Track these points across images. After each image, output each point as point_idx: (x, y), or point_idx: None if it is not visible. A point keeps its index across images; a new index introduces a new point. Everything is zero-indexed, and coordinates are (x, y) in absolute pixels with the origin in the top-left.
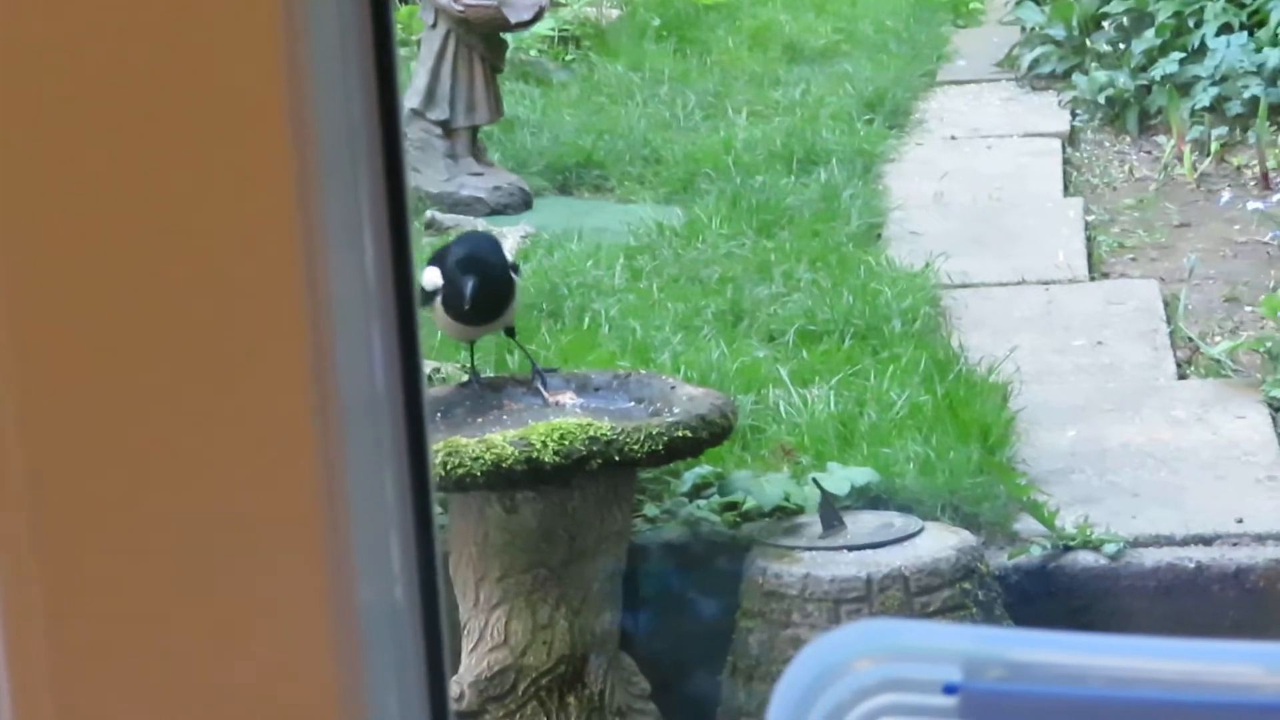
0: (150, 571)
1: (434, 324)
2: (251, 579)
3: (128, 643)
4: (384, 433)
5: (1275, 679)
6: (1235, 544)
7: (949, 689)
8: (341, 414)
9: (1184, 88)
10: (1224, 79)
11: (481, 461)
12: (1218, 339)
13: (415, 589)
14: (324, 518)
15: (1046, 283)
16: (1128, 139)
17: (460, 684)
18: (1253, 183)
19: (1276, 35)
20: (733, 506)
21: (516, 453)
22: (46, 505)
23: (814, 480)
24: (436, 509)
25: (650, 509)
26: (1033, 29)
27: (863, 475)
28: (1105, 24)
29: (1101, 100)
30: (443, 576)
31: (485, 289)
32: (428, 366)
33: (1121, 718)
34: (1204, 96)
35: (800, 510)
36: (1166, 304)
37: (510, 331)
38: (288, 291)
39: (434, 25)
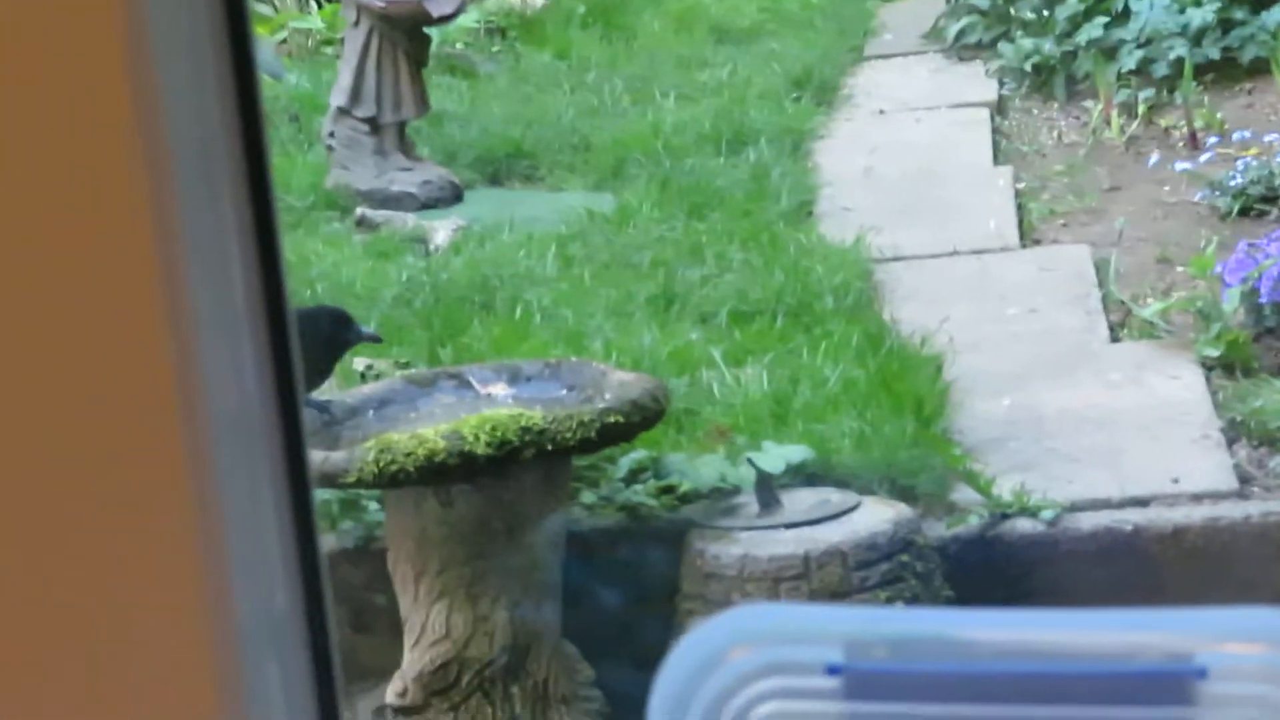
0: (15, 589)
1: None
2: (123, 592)
3: None
4: (257, 440)
5: (1162, 645)
6: (1172, 504)
7: (832, 670)
8: (210, 424)
9: (1109, 52)
10: (1149, 41)
11: (414, 457)
12: (1149, 300)
13: (298, 595)
14: (196, 528)
15: (979, 252)
16: (1055, 105)
17: (404, 679)
18: (1181, 143)
19: None
20: (669, 490)
21: (449, 446)
22: None
23: (749, 460)
24: (374, 505)
25: (587, 496)
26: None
27: (798, 453)
28: None
29: (1028, 68)
30: (377, 572)
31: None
32: (360, 364)
33: (1008, 691)
34: (1129, 59)
35: (737, 490)
36: (1098, 268)
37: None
38: (146, 304)
39: (356, 23)
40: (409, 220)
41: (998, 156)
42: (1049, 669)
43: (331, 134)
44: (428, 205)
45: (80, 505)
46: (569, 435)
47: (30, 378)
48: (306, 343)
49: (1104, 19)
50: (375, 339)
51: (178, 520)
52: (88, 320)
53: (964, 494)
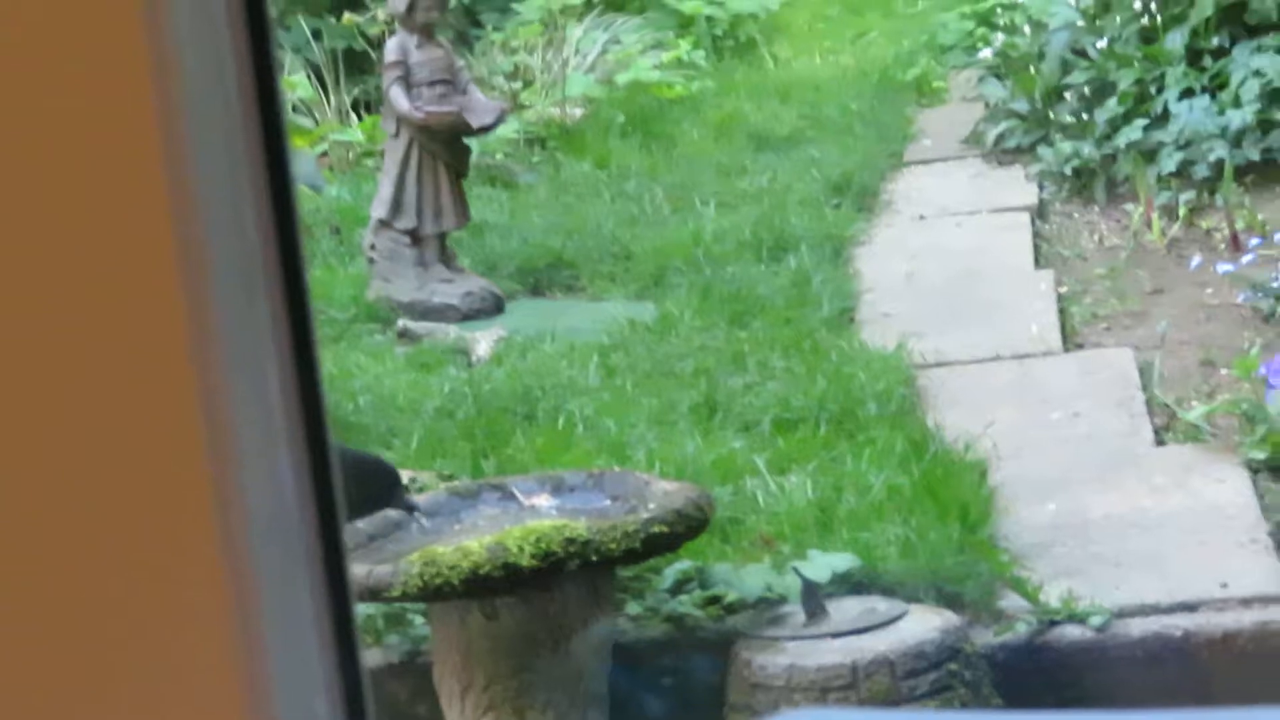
0: (54, 705)
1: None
2: (163, 707)
3: None
4: (297, 552)
5: None
6: (1221, 609)
7: None
8: (249, 536)
9: (1149, 154)
10: (1188, 143)
11: (458, 569)
12: (1194, 403)
13: (340, 709)
14: (236, 642)
15: (1021, 357)
16: (1096, 208)
17: None
18: (1222, 245)
19: (1238, 97)
20: (715, 600)
21: (493, 558)
22: None
23: (795, 569)
24: (419, 619)
25: (633, 606)
26: (996, 104)
27: (844, 561)
28: (1068, 95)
29: (1068, 171)
30: (423, 686)
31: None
32: (405, 475)
33: None
34: (1169, 162)
35: (783, 600)
36: (1142, 371)
37: None
38: (183, 417)
39: (396, 135)
40: (451, 332)
41: (1039, 260)
42: None
43: (372, 246)
44: (469, 316)
45: (120, 619)
46: (613, 546)
47: (66, 492)
48: (351, 488)
49: (1143, 121)
50: (415, 508)
51: (217, 634)
52: (124, 433)
53: (1011, 601)
